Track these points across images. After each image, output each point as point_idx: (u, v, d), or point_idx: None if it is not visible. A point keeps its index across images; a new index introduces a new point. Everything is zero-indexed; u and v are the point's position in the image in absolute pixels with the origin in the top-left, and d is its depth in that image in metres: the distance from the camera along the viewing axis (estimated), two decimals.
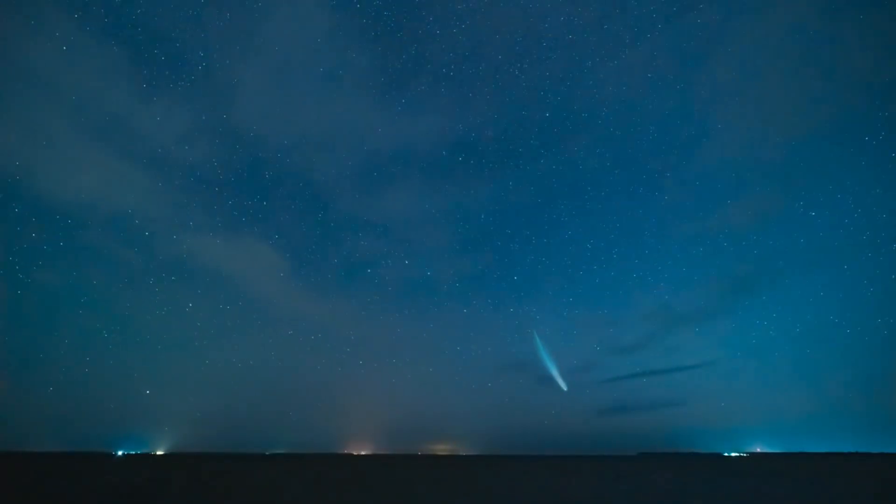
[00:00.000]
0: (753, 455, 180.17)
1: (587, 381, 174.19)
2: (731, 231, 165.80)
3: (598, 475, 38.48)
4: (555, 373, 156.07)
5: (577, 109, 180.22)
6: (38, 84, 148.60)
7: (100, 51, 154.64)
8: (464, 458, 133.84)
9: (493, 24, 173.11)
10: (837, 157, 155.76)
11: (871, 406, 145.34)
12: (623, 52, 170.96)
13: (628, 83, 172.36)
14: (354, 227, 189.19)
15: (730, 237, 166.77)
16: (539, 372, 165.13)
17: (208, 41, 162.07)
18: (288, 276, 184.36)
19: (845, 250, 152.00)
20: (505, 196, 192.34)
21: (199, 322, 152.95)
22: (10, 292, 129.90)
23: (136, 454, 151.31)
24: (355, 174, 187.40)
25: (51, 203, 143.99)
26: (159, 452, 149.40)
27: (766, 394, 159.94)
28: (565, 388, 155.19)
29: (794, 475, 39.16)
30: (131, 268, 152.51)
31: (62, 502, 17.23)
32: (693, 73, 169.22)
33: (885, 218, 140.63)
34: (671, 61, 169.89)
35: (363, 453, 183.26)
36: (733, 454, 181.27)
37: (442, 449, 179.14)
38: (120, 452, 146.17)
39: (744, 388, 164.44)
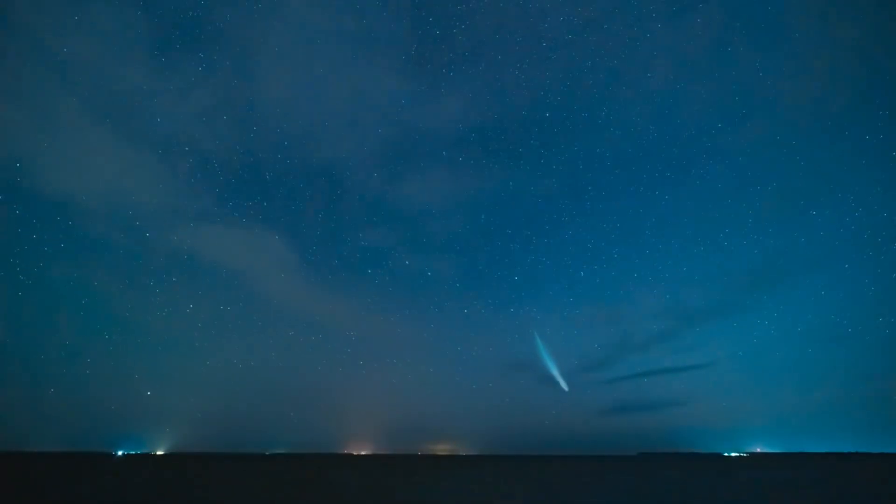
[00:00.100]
0: (753, 455, 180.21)
1: (588, 381, 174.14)
2: (731, 231, 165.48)
3: (598, 475, 38.48)
4: (555, 373, 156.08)
5: (577, 109, 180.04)
6: (42, 58, 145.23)
7: (113, 26, 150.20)
8: (464, 458, 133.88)
9: (492, 23, 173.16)
10: (838, 157, 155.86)
11: (871, 406, 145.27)
12: (623, 52, 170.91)
13: (628, 83, 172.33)
14: (354, 227, 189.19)
15: (730, 237, 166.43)
16: (540, 372, 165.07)
17: (226, 19, 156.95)
18: (290, 277, 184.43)
19: (846, 249, 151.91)
20: (505, 196, 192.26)
21: (199, 323, 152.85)
22: (11, 293, 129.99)
23: (136, 454, 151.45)
24: (358, 171, 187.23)
25: (52, 200, 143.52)
26: (159, 452, 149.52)
27: (767, 394, 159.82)
28: (566, 389, 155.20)
29: (794, 475, 39.16)
30: (132, 269, 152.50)
31: (62, 502, 17.23)
32: (693, 72, 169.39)
33: (886, 217, 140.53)
34: (671, 61, 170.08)
35: (363, 453, 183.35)
36: (733, 454, 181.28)
37: (442, 449, 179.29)
38: (120, 452, 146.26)
39: (744, 388, 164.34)
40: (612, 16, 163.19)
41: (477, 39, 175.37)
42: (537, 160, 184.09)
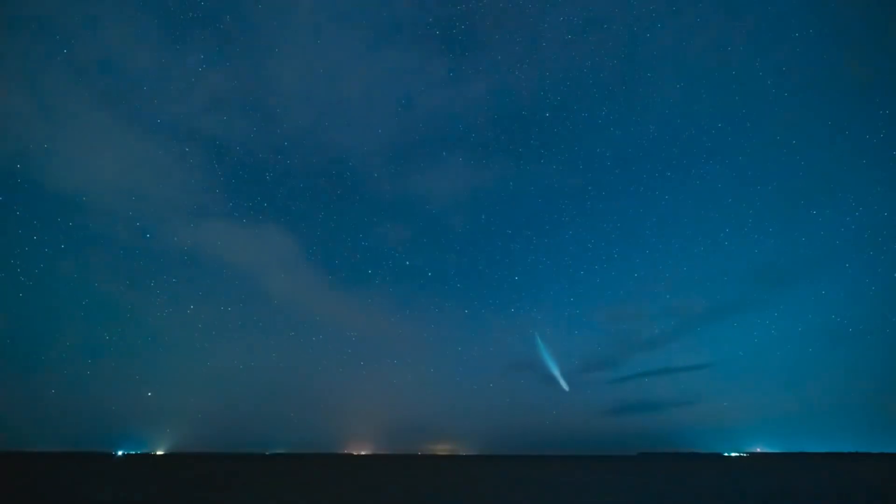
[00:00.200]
0: (753, 455, 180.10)
1: (588, 381, 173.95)
2: (731, 230, 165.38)
3: (599, 475, 38.48)
4: (556, 373, 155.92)
5: (577, 109, 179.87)
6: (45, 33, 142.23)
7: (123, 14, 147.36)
8: (464, 458, 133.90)
9: (492, 23, 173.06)
10: (838, 156, 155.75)
11: (871, 406, 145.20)
12: (623, 52, 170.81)
13: (628, 83, 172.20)
14: (354, 227, 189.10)
15: (730, 237, 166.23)
16: (540, 372, 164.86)
17: (236, 5, 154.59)
18: (290, 277, 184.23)
19: (846, 249, 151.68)
20: (505, 196, 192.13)
21: (199, 324, 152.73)
22: (12, 294, 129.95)
23: (136, 454, 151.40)
24: (357, 171, 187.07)
25: (52, 200, 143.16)
26: (159, 452, 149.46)
27: (767, 394, 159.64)
28: (566, 389, 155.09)
29: (794, 475, 39.16)
30: (133, 269, 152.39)
31: (62, 502, 17.23)
32: (693, 72, 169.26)
33: (887, 216, 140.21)
34: (671, 61, 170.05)
35: (363, 453, 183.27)
36: (733, 454, 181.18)
37: (442, 449, 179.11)
38: (120, 452, 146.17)
39: (744, 388, 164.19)
40: (612, 16, 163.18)
41: (477, 39, 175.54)
42: (537, 160, 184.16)
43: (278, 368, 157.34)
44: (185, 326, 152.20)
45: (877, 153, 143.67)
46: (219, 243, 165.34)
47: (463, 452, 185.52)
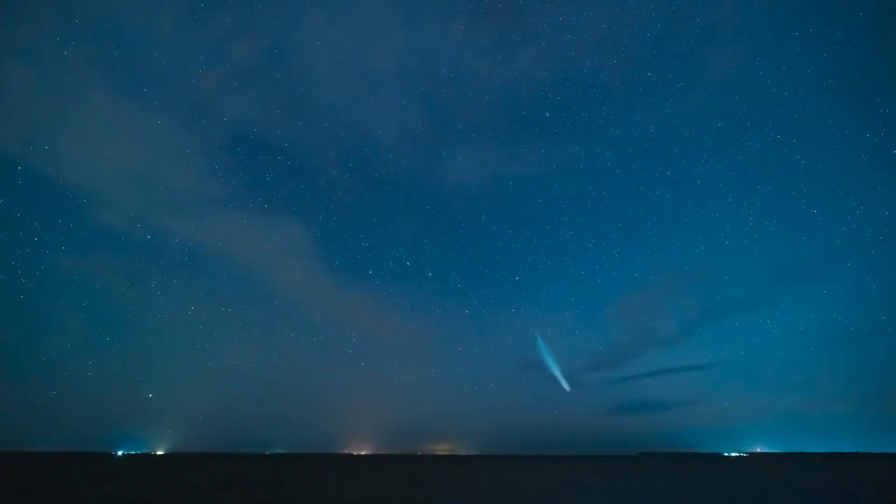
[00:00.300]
0: (753, 455, 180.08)
1: (588, 381, 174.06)
2: (731, 230, 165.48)
3: (599, 475, 38.48)
4: (557, 373, 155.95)
5: (577, 109, 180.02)
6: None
7: None
8: (464, 458, 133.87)
9: (492, 23, 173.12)
10: (838, 155, 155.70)
11: (871, 406, 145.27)
12: (623, 52, 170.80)
13: (628, 83, 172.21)
14: (354, 228, 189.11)
15: (731, 236, 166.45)
16: (541, 372, 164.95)
17: None
18: (291, 279, 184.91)
19: (847, 248, 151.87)
20: (506, 196, 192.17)
21: (200, 325, 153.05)
22: (12, 295, 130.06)
23: (136, 454, 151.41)
24: (357, 171, 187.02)
25: (53, 200, 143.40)
26: (159, 452, 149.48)
27: (767, 394, 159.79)
28: (567, 389, 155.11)
29: (794, 475, 39.15)
30: (134, 271, 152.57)
31: (62, 502, 17.23)
32: (693, 72, 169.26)
33: (887, 215, 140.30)
34: (671, 60, 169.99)
35: (363, 453, 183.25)
36: (733, 454, 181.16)
37: (442, 449, 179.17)
38: (120, 452, 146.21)
39: (744, 388, 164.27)
40: (612, 16, 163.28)
41: (476, 39, 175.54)
42: (537, 160, 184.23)
43: (279, 369, 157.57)
44: (185, 327, 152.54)
45: (877, 152, 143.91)
46: (219, 244, 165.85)
47: (463, 452, 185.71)
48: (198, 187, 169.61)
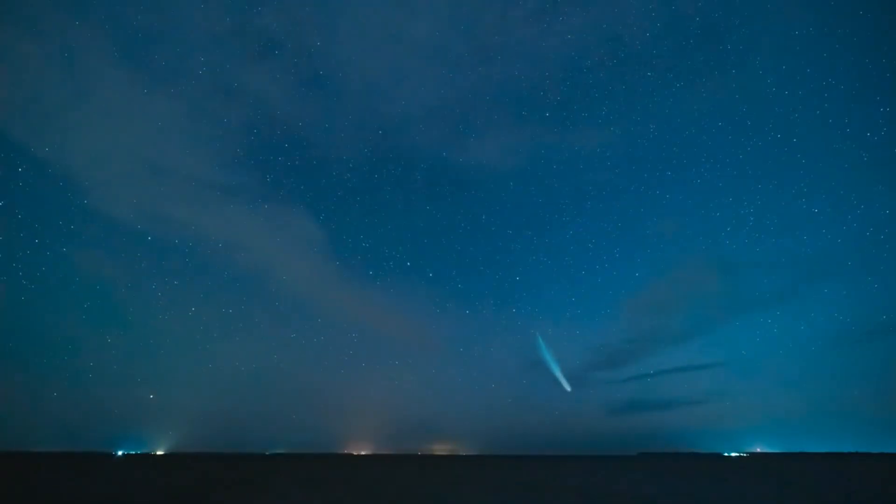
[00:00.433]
0: (753, 455, 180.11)
1: (589, 381, 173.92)
2: (732, 229, 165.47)
3: (599, 475, 38.50)
4: (557, 373, 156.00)
5: (576, 109, 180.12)
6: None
7: None
8: (464, 458, 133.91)
9: (491, 23, 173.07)
10: (839, 154, 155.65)
11: (872, 406, 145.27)
12: (623, 52, 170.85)
13: (628, 82, 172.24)
14: (355, 228, 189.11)
15: (731, 235, 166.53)
16: (541, 372, 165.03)
17: None
18: (292, 280, 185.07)
19: (848, 248, 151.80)
20: (506, 196, 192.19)
21: (201, 326, 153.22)
22: (13, 295, 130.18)
23: (136, 454, 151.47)
24: (357, 171, 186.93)
25: (53, 200, 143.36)
26: (159, 452, 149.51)
27: (767, 394, 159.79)
28: (568, 389, 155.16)
29: (794, 475, 39.16)
30: (134, 272, 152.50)
31: (62, 502, 17.24)
32: (693, 71, 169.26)
33: (888, 214, 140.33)
34: (671, 60, 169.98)
35: (363, 453, 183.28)
36: (733, 454, 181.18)
37: (442, 449, 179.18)
38: (120, 452, 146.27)
39: (744, 388, 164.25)
40: (612, 16, 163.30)
41: (476, 39, 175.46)
42: (537, 160, 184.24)
43: (279, 370, 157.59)
44: (186, 328, 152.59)
45: (878, 151, 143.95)
46: (220, 245, 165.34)
47: (463, 452, 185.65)
48: (200, 182, 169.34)
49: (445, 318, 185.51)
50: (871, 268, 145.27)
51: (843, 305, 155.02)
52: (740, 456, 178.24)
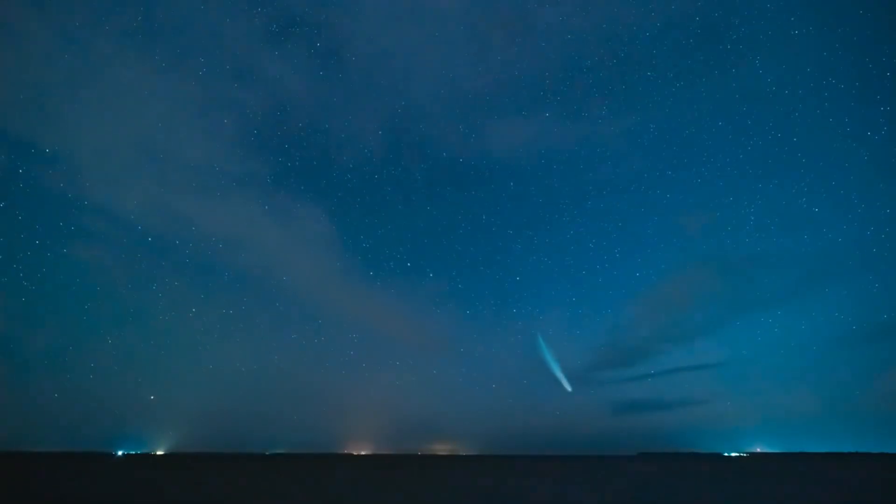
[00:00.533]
0: (753, 455, 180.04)
1: (590, 382, 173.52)
2: (733, 229, 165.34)
3: (599, 475, 38.48)
4: (558, 373, 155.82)
5: (577, 109, 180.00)
6: None
7: None
8: (464, 458, 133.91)
9: (491, 23, 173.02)
10: (839, 154, 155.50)
11: (872, 406, 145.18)
12: (623, 52, 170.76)
13: (628, 83, 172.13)
14: (355, 229, 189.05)
15: (732, 235, 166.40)
16: (542, 372, 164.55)
17: None
18: (292, 281, 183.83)
19: (849, 247, 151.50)
20: (506, 196, 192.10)
21: (201, 327, 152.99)
22: (13, 296, 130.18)
23: (136, 454, 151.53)
24: (358, 171, 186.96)
25: (53, 200, 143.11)
26: (159, 452, 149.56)
27: (767, 394, 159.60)
28: (569, 389, 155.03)
29: (794, 475, 39.16)
30: (135, 273, 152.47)
31: (62, 502, 17.24)
32: (693, 71, 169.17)
33: (889, 213, 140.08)
34: (671, 60, 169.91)
35: (363, 453, 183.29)
36: (733, 454, 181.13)
37: (442, 449, 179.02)
38: (120, 452, 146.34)
39: (744, 388, 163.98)
40: (612, 15, 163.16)
41: (475, 39, 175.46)
42: (538, 160, 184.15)
43: (279, 370, 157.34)
44: (186, 328, 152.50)
45: (878, 150, 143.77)
46: (220, 245, 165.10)
47: (463, 452, 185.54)
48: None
49: (445, 318, 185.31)
50: (873, 267, 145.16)
51: (844, 305, 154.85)
52: (740, 456, 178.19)
